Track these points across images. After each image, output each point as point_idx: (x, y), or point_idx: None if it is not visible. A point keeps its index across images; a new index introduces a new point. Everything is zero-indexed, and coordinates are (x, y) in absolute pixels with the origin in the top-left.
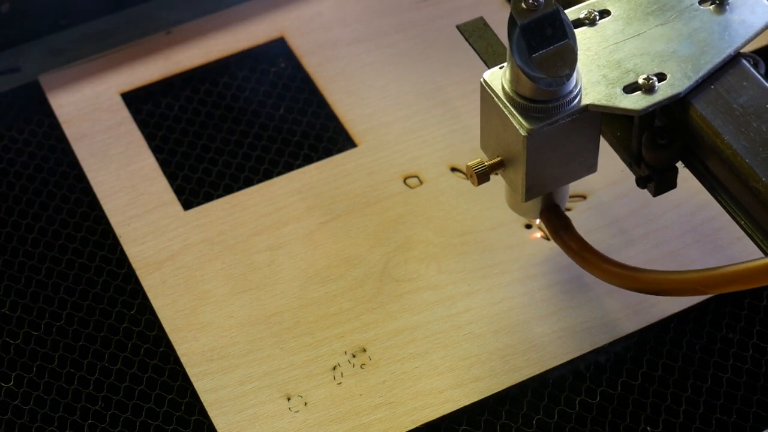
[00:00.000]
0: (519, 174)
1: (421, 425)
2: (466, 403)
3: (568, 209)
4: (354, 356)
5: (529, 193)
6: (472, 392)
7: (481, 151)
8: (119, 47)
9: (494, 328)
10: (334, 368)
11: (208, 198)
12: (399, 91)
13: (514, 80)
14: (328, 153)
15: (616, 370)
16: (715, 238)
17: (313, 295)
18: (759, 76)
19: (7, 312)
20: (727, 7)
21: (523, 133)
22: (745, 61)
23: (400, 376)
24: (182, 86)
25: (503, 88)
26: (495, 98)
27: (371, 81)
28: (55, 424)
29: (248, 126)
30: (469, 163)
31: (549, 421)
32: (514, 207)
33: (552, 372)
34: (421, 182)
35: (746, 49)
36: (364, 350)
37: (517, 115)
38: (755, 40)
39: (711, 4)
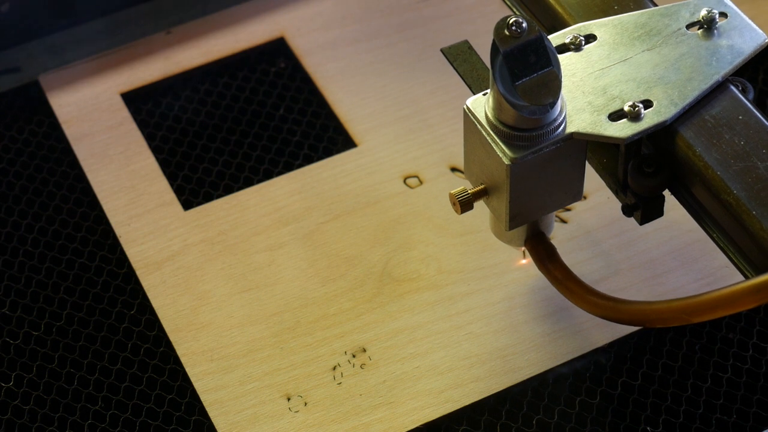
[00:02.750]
0: (503, 203)
1: (421, 425)
2: (466, 403)
3: (569, 209)
4: (354, 356)
5: (513, 222)
6: (472, 392)
7: None
8: (119, 47)
9: (494, 328)
10: (334, 368)
11: (208, 198)
12: (399, 91)
13: (497, 108)
14: (328, 153)
15: (616, 370)
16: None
17: (313, 295)
18: (747, 103)
19: (7, 312)
20: (716, 31)
21: (506, 162)
22: (733, 87)
23: (400, 376)
24: (182, 86)
25: (486, 115)
26: (478, 126)
27: (371, 81)
28: (55, 424)
29: (248, 126)
30: (452, 191)
31: (549, 421)
32: (498, 235)
33: (552, 372)
34: (421, 182)
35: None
36: (364, 350)
37: (501, 143)
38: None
39: (699, 29)
